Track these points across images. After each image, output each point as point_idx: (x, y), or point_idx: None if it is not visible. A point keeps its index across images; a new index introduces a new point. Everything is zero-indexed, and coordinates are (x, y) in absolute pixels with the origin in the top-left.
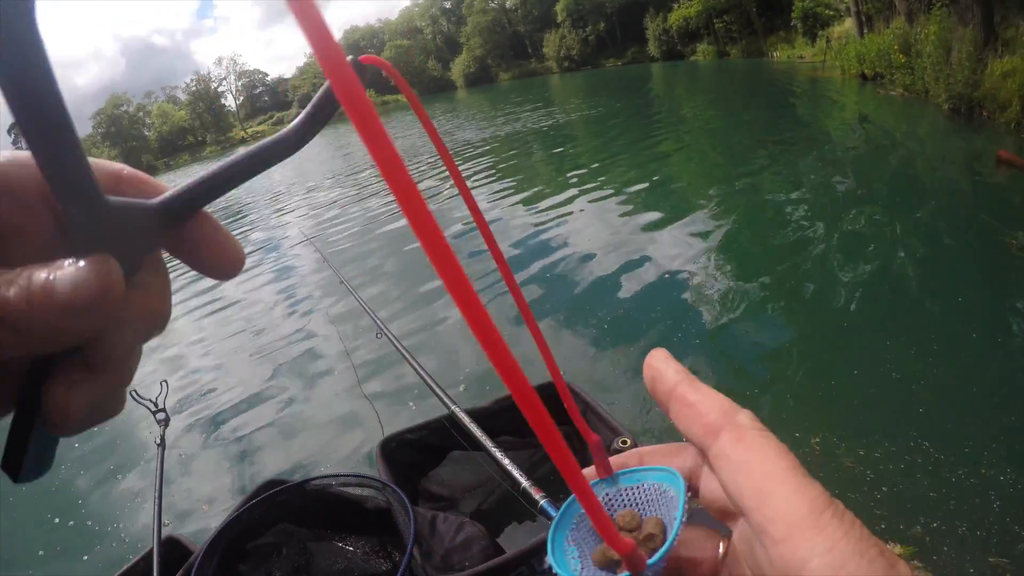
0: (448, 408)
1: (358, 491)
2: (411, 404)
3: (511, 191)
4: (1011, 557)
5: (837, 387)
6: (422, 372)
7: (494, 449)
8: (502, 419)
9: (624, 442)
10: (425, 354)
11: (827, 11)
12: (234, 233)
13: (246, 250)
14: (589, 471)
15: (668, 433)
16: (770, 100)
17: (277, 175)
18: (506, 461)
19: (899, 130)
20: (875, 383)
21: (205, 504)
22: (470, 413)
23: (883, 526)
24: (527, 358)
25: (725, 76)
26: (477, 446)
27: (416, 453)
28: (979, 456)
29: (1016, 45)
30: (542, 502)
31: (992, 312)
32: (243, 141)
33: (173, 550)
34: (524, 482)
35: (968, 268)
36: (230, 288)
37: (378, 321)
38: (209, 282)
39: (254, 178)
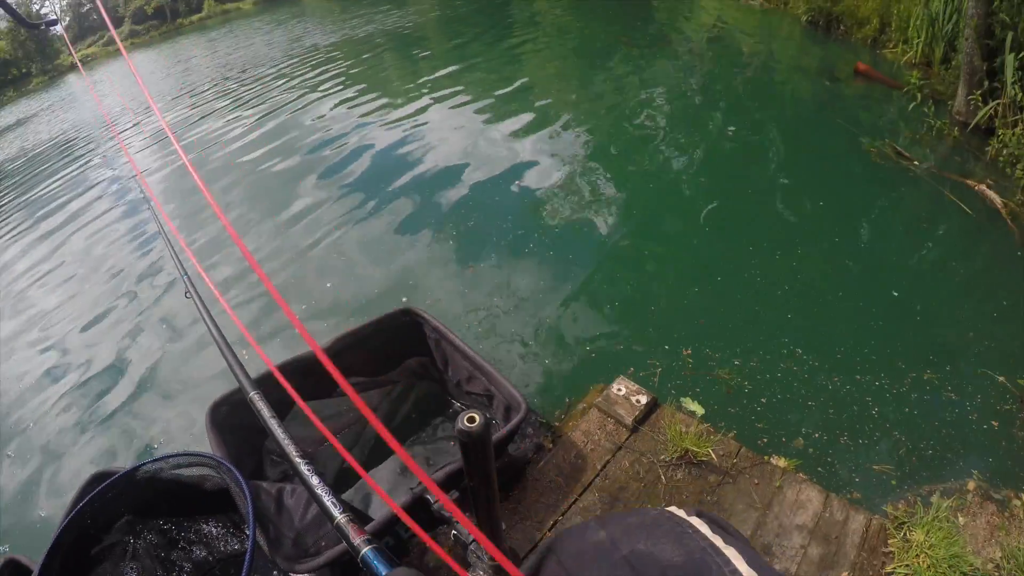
0: (246, 391)
1: (194, 471)
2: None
3: (363, 99)
4: (894, 463)
5: (703, 296)
6: (221, 345)
7: (306, 471)
8: (349, 357)
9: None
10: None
11: None
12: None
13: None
14: None
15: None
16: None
17: (108, 100)
18: (315, 480)
19: (758, 38)
20: (741, 291)
21: None
22: (298, 361)
23: (765, 440)
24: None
25: None
26: (328, 391)
27: (251, 413)
28: (852, 362)
29: None
30: (365, 550)
31: (854, 216)
32: (73, 68)
33: (15, 571)
34: (339, 516)
35: (829, 173)
36: (49, 249)
37: (186, 280)
38: (29, 240)
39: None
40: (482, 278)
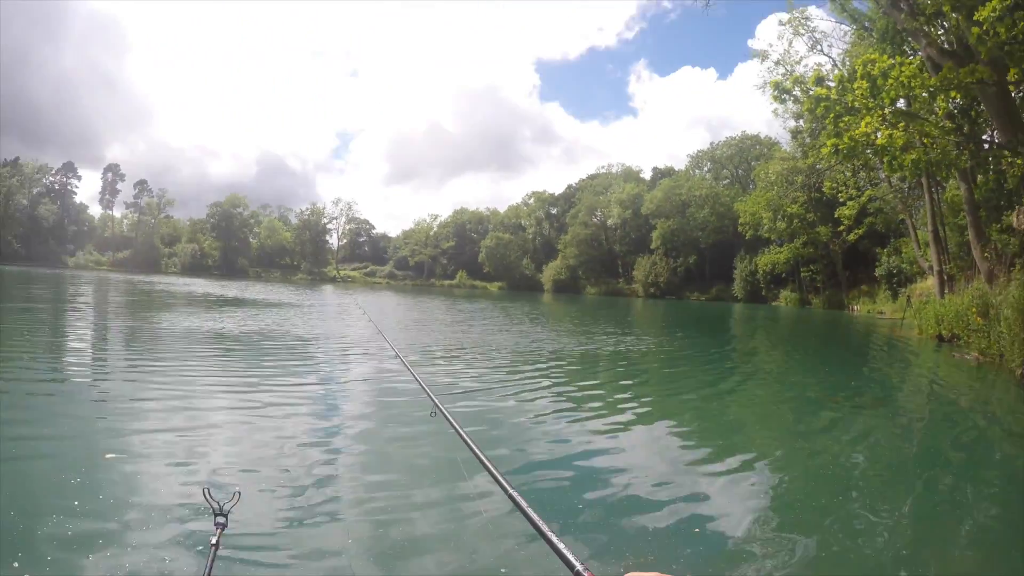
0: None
1: None
2: None
3: (568, 403)
4: None
5: None
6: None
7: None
8: None
9: None
10: None
11: (911, 268)
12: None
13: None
14: None
15: None
16: (845, 354)
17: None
18: (561, 545)
19: (971, 396)
20: None
21: None
22: None
23: None
24: None
25: (804, 324)
26: None
27: None
28: None
29: None
30: None
31: None
32: (333, 280)
33: None
34: (579, 566)
35: None
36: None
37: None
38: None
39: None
40: None
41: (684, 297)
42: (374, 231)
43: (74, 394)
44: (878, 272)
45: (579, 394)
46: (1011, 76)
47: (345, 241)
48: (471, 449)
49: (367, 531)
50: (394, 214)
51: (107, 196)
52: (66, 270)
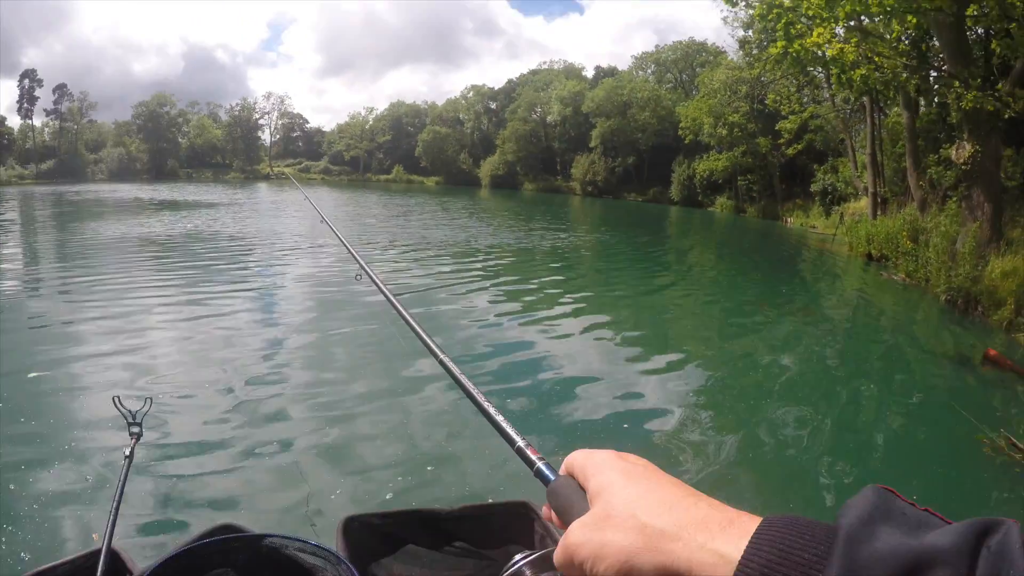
0: (439, 358)
1: (311, 559)
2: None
3: (506, 298)
4: None
5: None
6: (418, 328)
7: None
8: (462, 524)
9: None
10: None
11: (846, 188)
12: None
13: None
14: None
15: None
16: (777, 263)
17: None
18: (500, 419)
19: (894, 314)
20: None
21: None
22: (419, 513)
23: None
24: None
25: (738, 231)
26: (438, 545)
27: (375, 537)
28: None
29: (1020, 245)
30: (539, 463)
31: (956, 504)
32: (267, 177)
33: (115, 561)
34: (520, 441)
35: (938, 459)
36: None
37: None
38: (218, 289)
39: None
40: None
41: (621, 197)
42: (308, 125)
43: (5, 315)
44: (813, 188)
45: (517, 288)
46: (969, 11)
47: (278, 137)
48: (400, 314)
49: (311, 427)
50: (329, 107)
51: (25, 105)
52: None
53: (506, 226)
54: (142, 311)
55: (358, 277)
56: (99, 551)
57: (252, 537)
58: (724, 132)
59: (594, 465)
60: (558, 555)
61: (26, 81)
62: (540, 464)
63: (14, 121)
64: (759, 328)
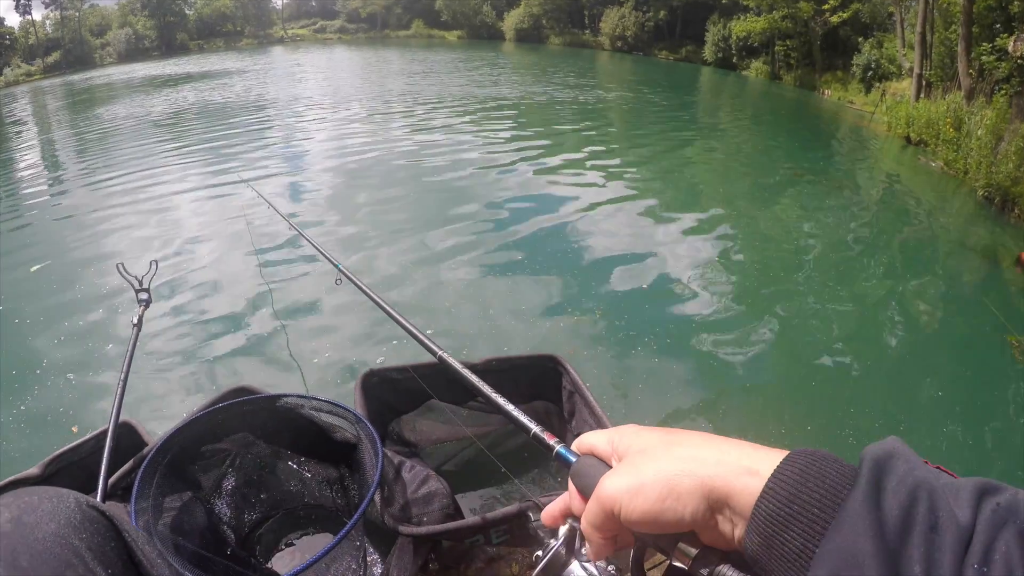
0: (436, 354)
1: (329, 418)
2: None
3: (533, 154)
4: None
5: (809, 436)
6: (404, 320)
7: (496, 397)
8: (488, 379)
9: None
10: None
11: (890, 66)
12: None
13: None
14: None
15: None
16: (811, 134)
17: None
18: (510, 407)
19: (928, 200)
20: (845, 449)
21: (74, 427)
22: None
23: None
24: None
25: (773, 99)
26: (460, 400)
27: (395, 393)
28: None
29: None
30: (558, 447)
31: (974, 410)
32: (281, 41)
33: (128, 435)
34: (535, 428)
35: (961, 355)
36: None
37: (341, 269)
38: (219, 166)
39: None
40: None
41: (652, 54)
42: None
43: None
44: (855, 61)
45: (539, 141)
46: None
47: None
48: (387, 313)
49: (326, 288)
50: None
51: (22, 1)
52: None
53: (530, 78)
54: (158, 188)
55: (338, 282)
56: (106, 429)
57: (267, 398)
58: None
59: (619, 436)
60: (590, 515)
61: None
62: (559, 448)
63: (13, 20)
64: (789, 198)
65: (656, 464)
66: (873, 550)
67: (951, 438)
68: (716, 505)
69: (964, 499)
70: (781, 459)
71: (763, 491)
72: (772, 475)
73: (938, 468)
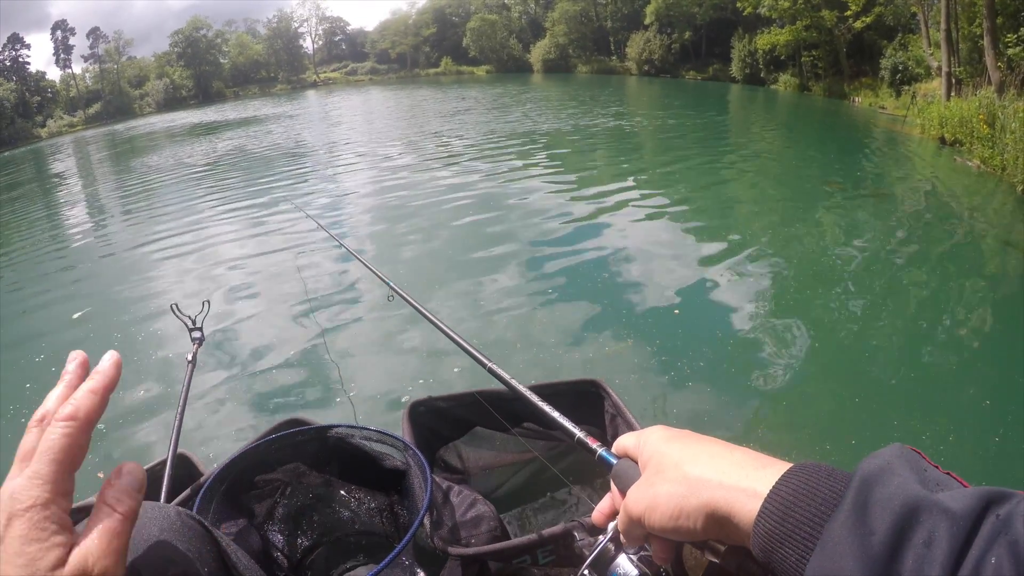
0: (486, 365)
1: (378, 447)
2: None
3: (567, 186)
4: None
5: (854, 450)
6: (453, 334)
7: (543, 404)
8: (525, 405)
9: None
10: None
11: (917, 67)
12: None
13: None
14: None
15: None
16: (844, 144)
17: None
18: (556, 414)
19: (968, 200)
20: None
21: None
22: (489, 393)
23: None
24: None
25: (803, 110)
26: (505, 427)
27: (441, 421)
28: None
29: None
30: (600, 451)
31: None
32: (314, 84)
33: (183, 466)
34: (579, 433)
35: (1010, 360)
36: (287, 225)
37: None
38: (269, 209)
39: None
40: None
41: (679, 75)
42: (349, 27)
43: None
44: (883, 65)
45: (574, 172)
46: None
47: (321, 43)
48: (437, 326)
49: (375, 322)
50: (369, 5)
51: (62, 55)
52: (41, 143)
53: (560, 107)
54: (202, 231)
55: (390, 298)
56: (164, 460)
57: (318, 428)
58: (786, 3)
59: (644, 440)
60: (622, 519)
61: (58, 32)
62: (601, 451)
63: (54, 74)
64: (825, 209)
65: (667, 486)
66: (857, 570)
67: (1000, 449)
68: (722, 521)
69: (965, 511)
70: (779, 476)
71: (759, 511)
72: (768, 494)
73: (948, 474)
